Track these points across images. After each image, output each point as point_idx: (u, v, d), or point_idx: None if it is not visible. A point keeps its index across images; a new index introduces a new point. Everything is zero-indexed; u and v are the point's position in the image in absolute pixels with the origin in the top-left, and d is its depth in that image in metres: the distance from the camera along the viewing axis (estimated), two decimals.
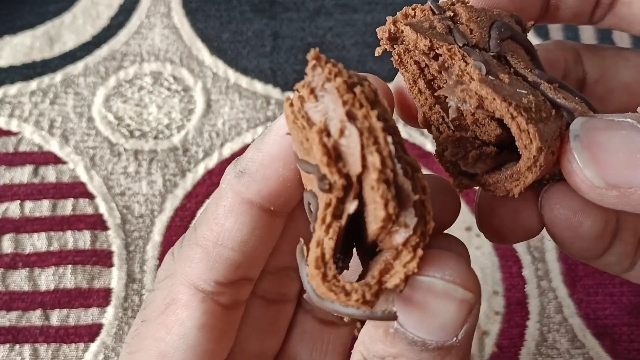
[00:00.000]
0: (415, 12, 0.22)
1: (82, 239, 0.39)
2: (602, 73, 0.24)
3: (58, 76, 0.44)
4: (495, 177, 0.21)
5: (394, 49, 0.22)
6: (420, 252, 0.17)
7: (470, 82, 0.19)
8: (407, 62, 0.22)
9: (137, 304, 0.37)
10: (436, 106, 0.22)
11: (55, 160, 0.41)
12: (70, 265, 0.38)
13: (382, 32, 0.22)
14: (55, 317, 0.37)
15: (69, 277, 0.38)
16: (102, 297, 0.37)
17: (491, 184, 0.21)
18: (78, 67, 0.44)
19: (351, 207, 0.17)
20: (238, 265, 0.21)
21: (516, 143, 0.19)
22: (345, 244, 0.18)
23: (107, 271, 0.38)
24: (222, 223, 0.20)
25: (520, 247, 0.39)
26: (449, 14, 0.21)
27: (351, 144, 0.17)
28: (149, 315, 0.21)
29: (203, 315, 0.21)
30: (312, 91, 0.18)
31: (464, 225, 0.40)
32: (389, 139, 0.17)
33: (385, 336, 0.17)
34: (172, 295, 0.21)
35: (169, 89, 0.43)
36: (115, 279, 0.37)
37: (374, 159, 0.16)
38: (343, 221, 0.17)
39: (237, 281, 0.22)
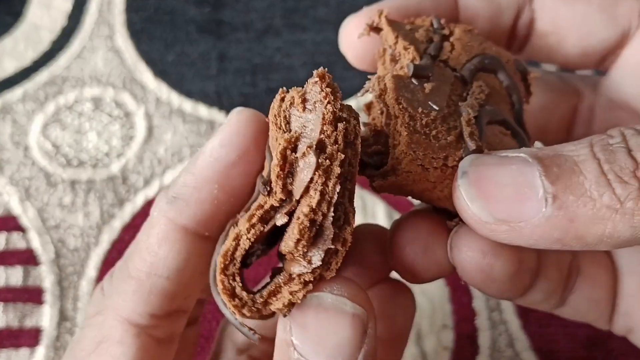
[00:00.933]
0: (414, 21, 0.23)
1: (15, 275, 0.37)
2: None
3: None
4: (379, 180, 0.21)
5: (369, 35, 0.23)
6: (310, 287, 0.18)
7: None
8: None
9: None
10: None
11: None
12: (1, 303, 0.36)
13: (367, 18, 0.23)
14: None
15: (0, 316, 0.36)
16: (32, 337, 0.36)
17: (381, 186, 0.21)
18: (16, 93, 0.43)
19: (280, 220, 0.18)
20: (173, 295, 0.20)
21: (389, 140, 0.20)
22: (273, 236, 0.19)
23: (39, 309, 0.36)
24: (156, 252, 0.19)
25: None
26: (445, 31, 0.22)
27: (305, 170, 0.17)
28: (79, 354, 0.20)
29: (138, 351, 0.20)
30: (303, 100, 0.18)
31: None
32: (338, 187, 0.17)
33: None
34: (104, 332, 0.20)
35: (110, 115, 0.42)
36: (47, 317, 0.36)
37: (313, 198, 0.17)
38: (267, 228, 0.18)
39: (173, 313, 0.21)
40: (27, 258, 0.38)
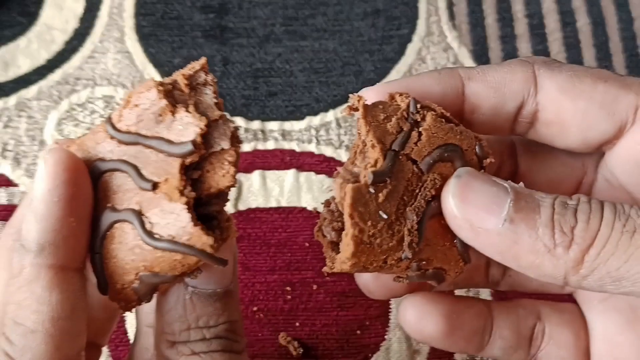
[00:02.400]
0: (395, 98, 0.24)
1: None
2: (530, 167, 0.28)
3: (12, 100, 0.45)
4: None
5: (352, 115, 0.24)
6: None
7: (354, 180, 0.22)
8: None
9: None
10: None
11: (7, 182, 0.42)
12: None
13: (351, 101, 0.23)
14: None
15: None
16: None
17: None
18: (32, 90, 0.45)
19: None
20: (78, 333, 0.21)
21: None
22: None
23: None
24: (49, 300, 0.20)
25: None
26: (418, 117, 0.23)
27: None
28: None
29: None
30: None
31: None
32: None
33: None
34: None
35: None
36: None
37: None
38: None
39: (88, 349, 0.22)
40: None
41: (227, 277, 0.23)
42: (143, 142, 0.21)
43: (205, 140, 0.20)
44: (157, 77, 0.46)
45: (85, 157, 0.21)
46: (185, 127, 0.20)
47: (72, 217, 0.20)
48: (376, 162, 0.21)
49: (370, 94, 0.24)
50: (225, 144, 0.21)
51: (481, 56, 0.48)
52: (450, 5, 0.50)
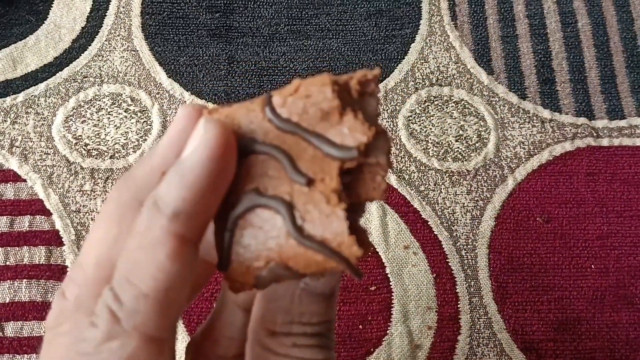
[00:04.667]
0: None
1: (38, 254, 0.40)
2: None
3: (20, 97, 0.46)
4: None
5: None
6: None
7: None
8: None
9: None
10: None
11: (14, 178, 0.43)
12: (25, 280, 0.40)
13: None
14: (10, 329, 0.39)
15: (24, 291, 0.39)
16: None
17: None
18: (39, 88, 0.46)
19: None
20: (185, 304, 0.21)
21: None
22: None
23: (61, 285, 0.39)
24: (169, 269, 0.19)
25: (455, 265, 0.41)
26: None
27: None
28: None
29: None
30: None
31: (402, 244, 0.42)
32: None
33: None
34: (126, 356, 0.19)
35: (126, 110, 0.45)
36: None
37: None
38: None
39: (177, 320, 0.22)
40: (50, 239, 0.41)
41: (336, 280, 0.23)
42: (302, 135, 0.20)
43: (365, 150, 0.20)
44: (164, 76, 0.47)
45: (234, 132, 0.21)
46: (351, 132, 0.20)
47: (214, 193, 0.20)
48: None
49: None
50: (382, 159, 0.20)
51: (482, 56, 0.49)
52: (452, 6, 0.51)
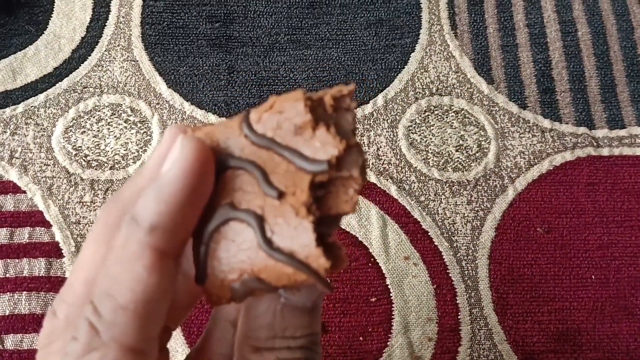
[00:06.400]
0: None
1: (37, 266, 0.40)
2: None
3: (20, 107, 0.45)
4: None
5: None
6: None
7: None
8: None
9: None
10: None
11: (14, 189, 0.43)
12: (25, 292, 0.40)
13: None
14: (10, 342, 0.38)
15: (24, 303, 0.39)
16: None
17: None
18: (39, 98, 0.46)
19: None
20: (164, 316, 0.21)
21: None
22: None
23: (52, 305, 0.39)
24: (146, 282, 0.20)
25: (455, 276, 0.41)
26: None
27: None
28: None
29: None
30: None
31: (403, 255, 0.42)
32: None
33: None
34: None
35: (126, 121, 0.45)
36: None
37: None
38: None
39: (162, 332, 0.22)
40: (50, 250, 0.41)
41: (317, 293, 0.24)
42: (276, 149, 0.21)
43: (337, 163, 0.20)
44: (163, 86, 0.47)
45: (212, 148, 0.21)
46: (323, 146, 0.20)
47: (191, 207, 0.20)
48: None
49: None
50: (355, 172, 0.20)
51: (482, 65, 0.49)
52: (452, 15, 0.51)
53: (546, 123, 0.47)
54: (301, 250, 0.20)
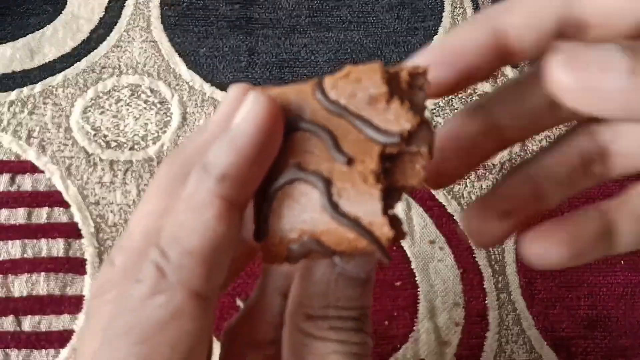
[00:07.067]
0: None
1: (56, 247, 0.40)
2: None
3: (37, 87, 0.45)
4: None
5: None
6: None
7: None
8: None
9: None
10: None
11: (32, 169, 0.42)
12: (43, 273, 0.39)
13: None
14: (28, 323, 0.38)
15: (42, 284, 0.39)
16: (73, 304, 0.38)
17: None
18: (57, 78, 0.45)
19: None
20: (228, 266, 0.21)
21: None
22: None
23: (80, 279, 0.39)
24: (215, 230, 0.20)
25: (481, 260, 0.40)
26: None
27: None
28: (135, 337, 0.19)
29: (209, 324, 0.21)
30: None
31: (428, 239, 0.41)
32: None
33: None
34: (171, 310, 0.19)
35: (145, 102, 0.45)
36: (87, 286, 0.38)
37: None
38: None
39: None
40: (69, 231, 0.40)
41: (371, 264, 0.23)
42: (348, 117, 0.21)
43: (407, 138, 0.21)
44: (183, 67, 0.46)
45: (283, 107, 0.21)
46: (396, 119, 0.20)
47: (260, 162, 0.21)
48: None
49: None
50: (423, 148, 0.21)
51: None
52: None
53: None
54: (366, 217, 0.20)
